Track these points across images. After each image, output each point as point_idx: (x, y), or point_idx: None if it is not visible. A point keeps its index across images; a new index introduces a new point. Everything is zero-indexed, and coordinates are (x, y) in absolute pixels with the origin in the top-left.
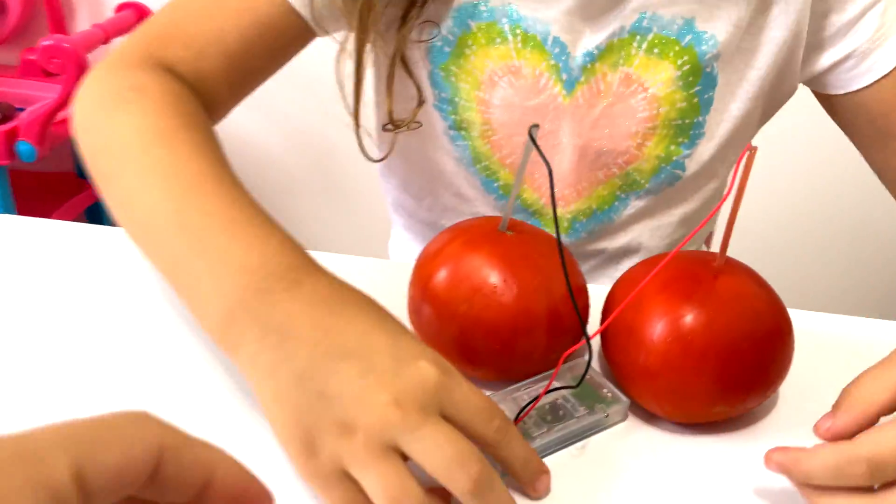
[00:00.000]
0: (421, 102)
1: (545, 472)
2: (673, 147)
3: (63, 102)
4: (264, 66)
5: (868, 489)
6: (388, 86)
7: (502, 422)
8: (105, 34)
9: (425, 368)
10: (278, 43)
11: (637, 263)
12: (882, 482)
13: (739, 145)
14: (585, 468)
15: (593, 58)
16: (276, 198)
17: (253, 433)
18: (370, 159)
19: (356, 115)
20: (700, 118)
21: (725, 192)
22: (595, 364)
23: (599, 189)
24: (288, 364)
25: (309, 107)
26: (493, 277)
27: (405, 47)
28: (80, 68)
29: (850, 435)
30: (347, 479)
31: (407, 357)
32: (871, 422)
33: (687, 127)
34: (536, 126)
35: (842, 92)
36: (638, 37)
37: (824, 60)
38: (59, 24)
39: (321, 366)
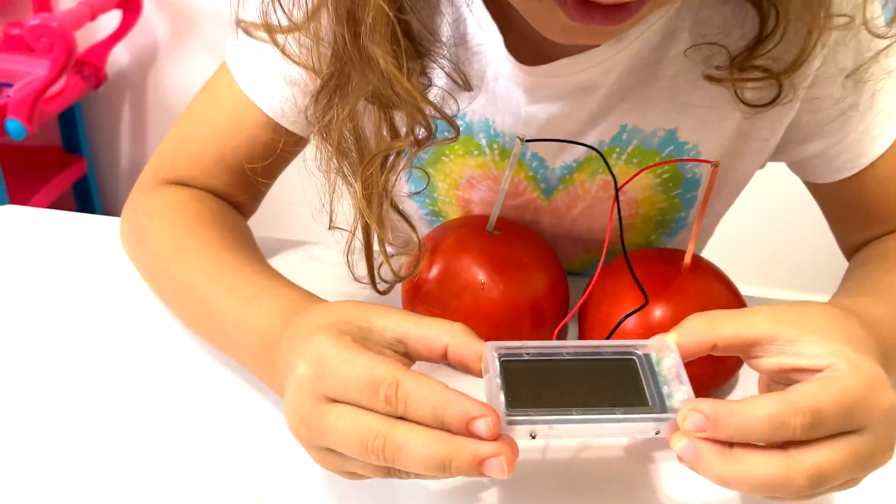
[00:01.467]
0: (418, 247)
1: (478, 414)
2: (654, 237)
3: (52, 81)
4: (272, 171)
5: (782, 447)
6: (377, 222)
7: (387, 386)
8: (92, 11)
9: (300, 369)
10: (273, 153)
11: (613, 259)
12: (817, 436)
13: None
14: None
15: (571, 170)
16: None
17: (254, 412)
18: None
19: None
20: (682, 213)
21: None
22: None
23: (581, 258)
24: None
25: None
26: (481, 275)
27: (390, 187)
28: (68, 47)
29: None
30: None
31: (294, 364)
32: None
33: (668, 221)
34: (523, 137)
35: (812, 181)
36: (617, 149)
37: (799, 154)
38: None
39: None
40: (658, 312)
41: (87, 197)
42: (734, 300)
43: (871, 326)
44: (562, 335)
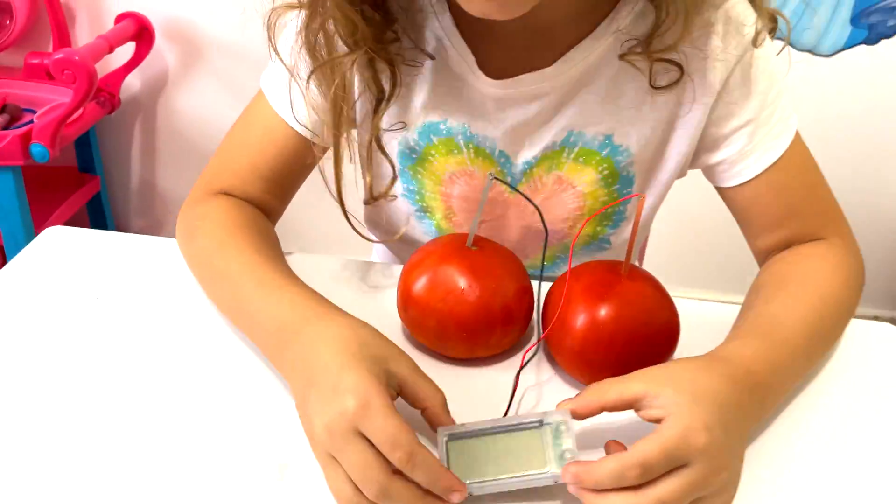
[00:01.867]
0: (395, 177)
1: (456, 489)
2: (599, 228)
3: (74, 109)
4: (296, 178)
5: (636, 487)
6: (367, 166)
7: (404, 453)
8: (109, 45)
9: (349, 401)
10: (300, 161)
11: (565, 272)
12: (652, 478)
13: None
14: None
15: (531, 165)
16: None
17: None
18: (358, 232)
19: (339, 192)
20: (621, 207)
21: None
22: (542, 354)
23: (539, 255)
24: (294, 384)
25: None
26: (462, 282)
27: (379, 134)
28: (90, 78)
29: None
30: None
31: (342, 390)
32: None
33: (610, 213)
34: (493, 174)
35: (717, 185)
36: (566, 149)
37: (707, 161)
38: (62, 30)
39: (303, 389)
40: (603, 311)
41: (99, 213)
42: (662, 300)
43: (735, 369)
44: (528, 335)
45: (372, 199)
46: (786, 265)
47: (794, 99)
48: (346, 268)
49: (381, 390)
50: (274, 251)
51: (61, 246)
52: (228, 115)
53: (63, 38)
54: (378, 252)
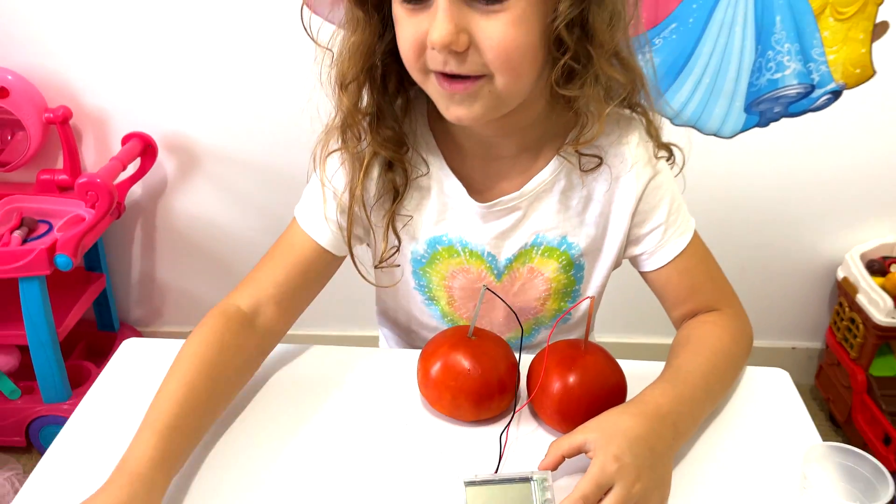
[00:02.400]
0: (397, 249)
1: None
2: (562, 304)
3: (96, 223)
4: (308, 290)
5: None
6: (383, 238)
7: None
8: (122, 164)
9: None
10: (316, 272)
11: (541, 350)
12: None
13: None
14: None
15: (511, 261)
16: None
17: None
18: (368, 281)
19: (351, 255)
20: (577, 287)
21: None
22: (527, 412)
23: (527, 322)
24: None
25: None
26: (467, 365)
27: (395, 221)
28: (111, 196)
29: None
30: None
31: None
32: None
33: (570, 293)
34: (486, 286)
35: (640, 270)
36: (535, 248)
37: (632, 252)
38: (72, 149)
39: None
40: (571, 379)
41: (104, 306)
42: (613, 366)
43: (646, 406)
44: (517, 400)
45: (381, 260)
46: (690, 329)
47: (706, 172)
48: (369, 356)
49: None
50: (200, 402)
51: (138, 355)
52: (221, 212)
53: (73, 156)
54: (386, 337)
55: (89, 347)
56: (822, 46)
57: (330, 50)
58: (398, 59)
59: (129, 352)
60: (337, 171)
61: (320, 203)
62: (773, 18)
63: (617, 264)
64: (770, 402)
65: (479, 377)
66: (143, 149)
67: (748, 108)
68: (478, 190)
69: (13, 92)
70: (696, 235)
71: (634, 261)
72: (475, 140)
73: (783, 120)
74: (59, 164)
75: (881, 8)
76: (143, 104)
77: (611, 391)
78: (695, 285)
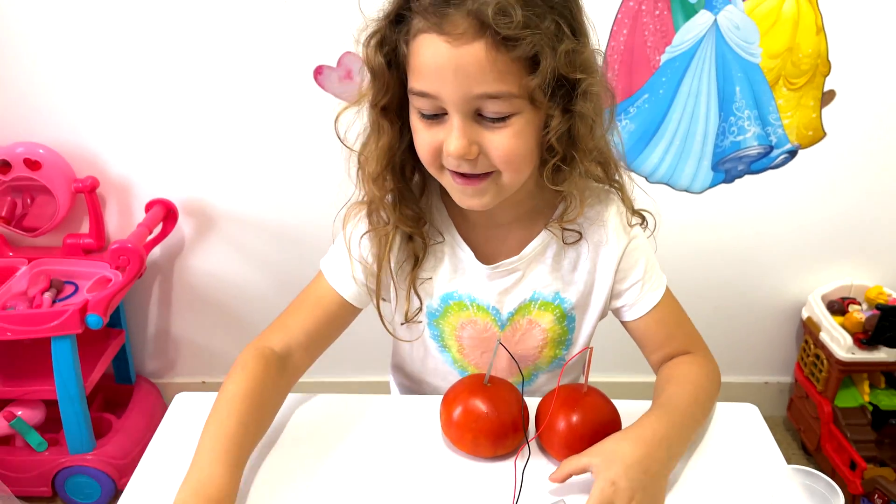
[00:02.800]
0: (420, 308)
1: None
2: (557, 351)
3: (126, 285)
4: (331, 336)
5: None
6: (406, 299)
7: None
8: (148, 229)
9: None
10: (339, 321)
11: (548, 393)
12: None
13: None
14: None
15: (512, 314)
16: (261, 325)
17: None
18: (395, 337)
19: (379, 314)
20: (570, 336)
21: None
22: (535, 445)
23: (527, 368)
24: None
25: (297, 259)
26: (485, 409)
27: (416, 283)
28: (141, 260)
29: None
30: None
31: None
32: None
33: (563, 341)
34: (500, 341)
35: (622, 320)
36: (533, 302)
37: (614, 305)
38: (97, 215)
39: None
40: (574, 418)
41: (122, 360)
42: (609, 405)
43: (644, 430)
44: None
45: (406, 320)
46: (672, 369)
47: (680, 224)
48: (386, 403)
49: None
50: (247, 426)
51: (191, 408)
52: (234, 270)
53: (98, 221)
54: (398, 385)
55: (107, 400)
56: (777, 112)
57: (354, 151)
58: (415, 153)
59: (181, 406)
60: (363, 240)
61: (347, 263)
62: (734, 89)
63: (603, 315)
64: (741, 434)
65: (496, 419)
66: (166, 214)
67: (715, 167)
68: (483, 254)
69: (45, 164)
70: (668, 290)
71: (617, 312)
72: (478, 212)
73: (747, 177)
74: (84, 228)
75: (828, 79)
76: (164, 172)
77: (607, 426)
78: (669, 332)
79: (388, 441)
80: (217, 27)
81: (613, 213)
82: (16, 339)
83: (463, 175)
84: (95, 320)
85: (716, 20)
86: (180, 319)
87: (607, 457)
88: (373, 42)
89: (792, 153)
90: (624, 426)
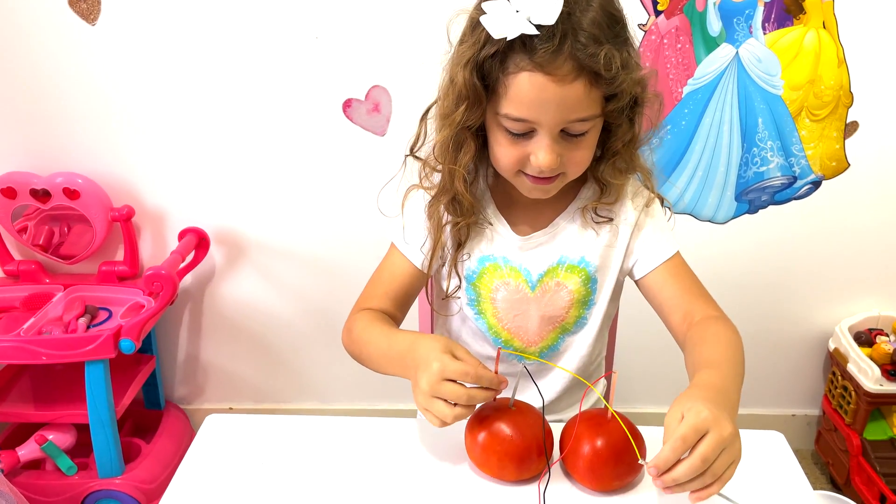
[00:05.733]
0: (460, 285)
1: (503, 381)
2: (581, 311)
3: (159, 311)
4: (411, 296)
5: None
6: (448, 276)
7: (472, 376)
8: (182, 257)
9: (435, 365)
10: (414, 284)
11: (571, 417)
12: (689, 447)
13: (612, 304)
14: None
15: (542, 276)
16: (289, 353)
17: None
18: (433, 309)
19: (426, 287)
20: (592, 297)
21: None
22: (558, 469)
23: (549, 336)
24: (411, 376)
25: (325, 287)
26: (510, 431)
27: (457, 262)
28: (174, 287)
29: (671, 464)
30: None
31: (428, 362)
32: (682, 452)
33: (587, 302)
34: (501, 348)
35: (636, 278)
36: (560, 266)
37: (628, 264)
38: (132, 244)
39: (414, 374)
40: (599, 442)
41: (152, 385)
42: (633, 429)
43: (708, 387)
44: (549, 458)
45: (447, 295)
46: (701, 329)
47: (704, 254)
48: (413, 426)
49: (449, 358)
50: (392, 326)
51: (224, 431)
52: (264, 298)
53: (133, 249)
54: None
55: (136, 425)
56: (800, 143)
57: (427, 189)
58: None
59: (213, 428)
60: (423, 221)
61: (413, 239)
62: (756, 120)
63: (621, 276)
64: (768, 461)
65: (520, 443)
66: (198, 242)
67: (738, 197)
68: (518, 227)
69: (83, 193)
70: (681, 256)
71: (632, 273)
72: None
73: (771, 207)
74: (119, 256)
75: (851, 110)
76: (197, 201)
77: (632, 451)
78: (686, 287)
79: (413, 464)
80: (251, 62)
81: (637, 186)
82: (50, 364)
83: (537, 178)
84: (128, 345)
85: (737, 53)
86: (210, 346)
87: (681, 404)
88: (469, 68)
89: (816, 184)
90: (648, 451)
